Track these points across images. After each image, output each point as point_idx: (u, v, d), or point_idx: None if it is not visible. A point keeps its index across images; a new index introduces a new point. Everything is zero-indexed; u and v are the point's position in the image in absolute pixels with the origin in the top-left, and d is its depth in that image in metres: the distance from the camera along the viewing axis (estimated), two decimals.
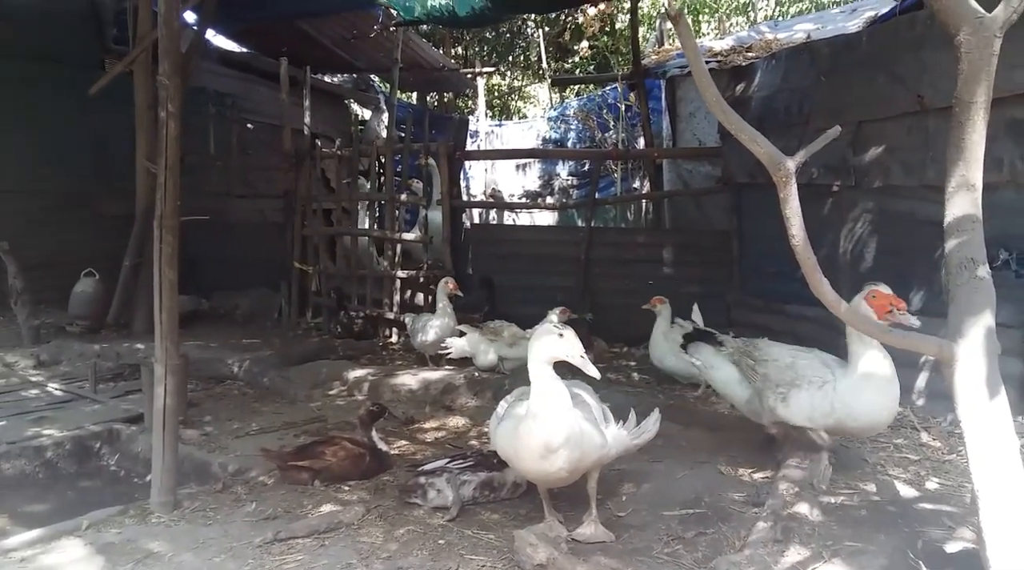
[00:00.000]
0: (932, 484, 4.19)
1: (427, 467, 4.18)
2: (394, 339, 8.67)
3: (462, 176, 13.30)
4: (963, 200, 2.63)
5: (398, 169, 9.80)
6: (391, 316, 8.70)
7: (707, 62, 8.44)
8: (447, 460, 4.21)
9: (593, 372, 3.31)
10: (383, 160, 9.32)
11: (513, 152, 14.87)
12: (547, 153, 15.94)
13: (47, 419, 5.73)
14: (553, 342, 3.33)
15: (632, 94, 12.62)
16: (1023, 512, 2.37)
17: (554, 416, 3.30)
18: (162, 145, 4.08)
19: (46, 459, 5.19)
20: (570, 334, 3.34)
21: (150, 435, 4.25)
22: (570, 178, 15.98)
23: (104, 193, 10.11)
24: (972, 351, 2.51)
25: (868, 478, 4.29)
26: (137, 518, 3.96)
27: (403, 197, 8.94)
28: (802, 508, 3.62)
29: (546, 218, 15.03)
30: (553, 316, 6.58)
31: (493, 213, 15.48)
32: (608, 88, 15.40)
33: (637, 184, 13.53)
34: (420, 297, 8.98)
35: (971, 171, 2.62)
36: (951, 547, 3.20)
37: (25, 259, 8.26)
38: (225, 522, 3.90)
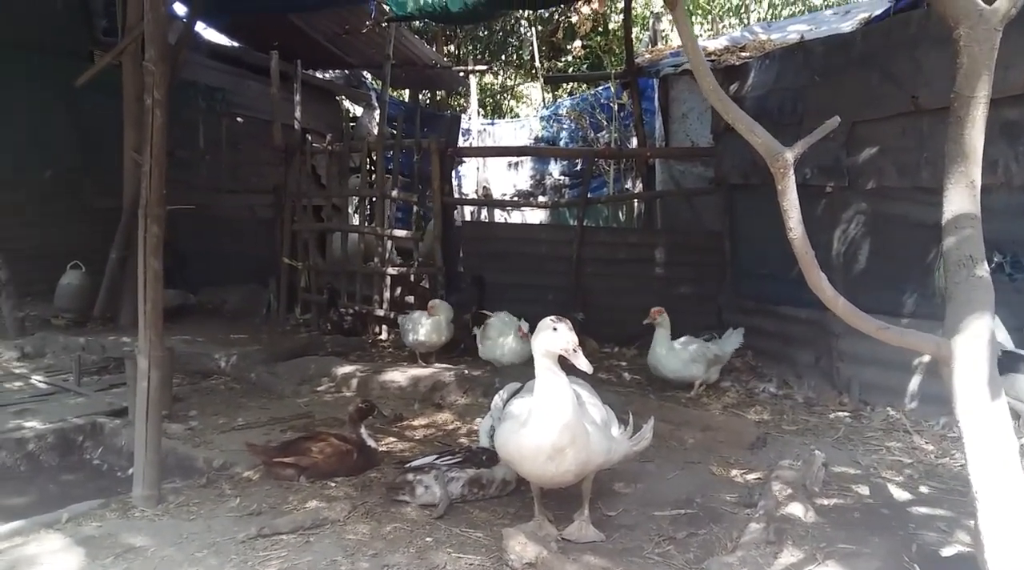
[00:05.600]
0: (925, 487, 4.16)
1: (415, 464, 4.12)
2: (384, 336, 8.60)
3: (454, 174, 13.23)
4: (962, 197, 2.58)
5: (389, 166, 9.74)
6: (381, 313, 8.63)
7: None
8: (435, 457, 4.15)
9: (584, 365, 3.26)
10: (374, 157, 9.23)
11: (505, 150, 14.81)
12: (539, 151, 15.88)
13: (30, 411, 5.65)
14: (548, 335, 3.30)
15: (625, 93, 12.57)
16: (1023, 515, 2.33)
17: (560, 416, 3.24)
18: (148, 133, 4.01)
19: (28, 451, 5.13)
20: (563, 327, 3.31)
21: (134, 429, 4.18)
22: (562, 177, 15.94)
23: (91, 185, 10.02)
24: (971, 350, 2.46)
25: (861, 481, 4.26)
26: (119, 512, 3.90)
27: (394, 193, 8.86)
28: (795, 509, 3.59)
29: (538, 217, 14.97)
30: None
31: (485, 211, 15.43)
32: (601, 87, 15.36)
33: (630, 184, 13.49)
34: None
35: (971, 167, 2.57)
36: (947, 551, 3.18)
37: (11, 251, 8.21)
38: (209, 517, 3.83)
